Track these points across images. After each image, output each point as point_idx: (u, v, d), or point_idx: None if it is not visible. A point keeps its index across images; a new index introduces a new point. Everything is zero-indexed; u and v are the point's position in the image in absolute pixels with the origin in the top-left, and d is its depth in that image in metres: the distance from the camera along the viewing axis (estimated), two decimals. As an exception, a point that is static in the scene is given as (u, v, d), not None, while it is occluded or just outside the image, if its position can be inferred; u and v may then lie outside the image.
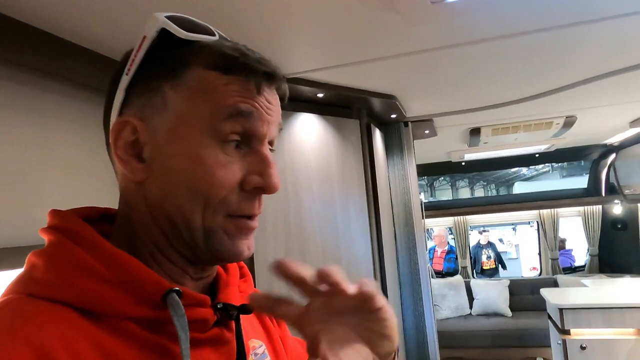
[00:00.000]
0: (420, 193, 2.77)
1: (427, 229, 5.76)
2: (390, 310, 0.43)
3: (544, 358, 4.18)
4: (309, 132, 1.84)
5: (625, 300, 2.96)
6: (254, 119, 0.43)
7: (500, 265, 5.85)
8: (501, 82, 1.98)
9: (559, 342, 3.00)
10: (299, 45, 1.36)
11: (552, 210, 5.18)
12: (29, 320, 0.35)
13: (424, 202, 3.47)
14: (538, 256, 5.55)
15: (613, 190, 4.69)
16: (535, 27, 1.35)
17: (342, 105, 2.01)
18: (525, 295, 4.82)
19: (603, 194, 4.83)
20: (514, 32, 1.38)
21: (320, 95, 1.79)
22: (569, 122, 2.84)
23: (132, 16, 0.99)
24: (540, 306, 4.00)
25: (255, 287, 0.59)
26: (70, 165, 1.09)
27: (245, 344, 0.47)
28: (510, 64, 1.72)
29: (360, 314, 0.43)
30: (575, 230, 5.96)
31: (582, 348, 2.88)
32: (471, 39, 1.41)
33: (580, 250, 5.97)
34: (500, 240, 12.46)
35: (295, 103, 1.81)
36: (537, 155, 4.49)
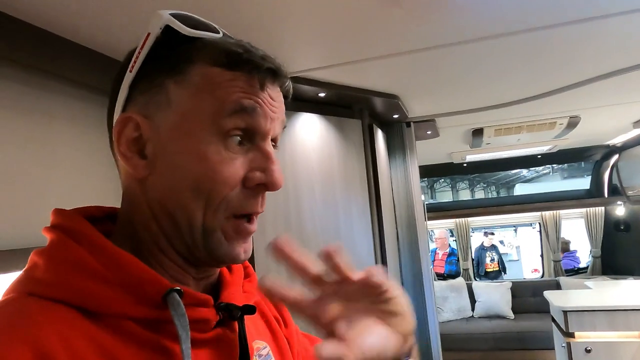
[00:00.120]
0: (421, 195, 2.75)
1: (429, 231, 5.74)
2: (398, 288, 0.43)
3: (546, 361, 4.16)
4: (310, 132, 1.83)
5: (629, 303, 2.95)
6: (257, 115, 0.43)
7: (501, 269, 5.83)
8: (504, 81, 1.97)
9: (563, 345, 2.99)
10: (299, 43, 1.35)
11: (555, 211, 5.17)
12: (28, 320, 0.35)
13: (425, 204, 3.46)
14: (540, 258, 5.52)
15: (616, 191, 4.68)
16: (539, 24, 1.35)
17: (343, 105, 2.00)
18: (527, 298, 4.81)
19: (606, 195, 4.82)
20: (517, 29, 1.37)
21: (321, 94, 1.78)
22: (572, 123, 2.83)
23: (133, 16, 0.99)
24: (542, 308, 3.99)
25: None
26: (73, 165, 1.09)
27: (249, 345, 0.46)
28: (514, 62, 1.71)
29: (369, 298, 0.42)
30: (577, 232, 5.93)
31: (587, 351, 2.86)
32: (473, 36, 1.40)
33: (582, 252, 5.95)
34: (501, 242, 12.44)
35: (296, 102, 1.80)
36: (539, 157, 4.48)
